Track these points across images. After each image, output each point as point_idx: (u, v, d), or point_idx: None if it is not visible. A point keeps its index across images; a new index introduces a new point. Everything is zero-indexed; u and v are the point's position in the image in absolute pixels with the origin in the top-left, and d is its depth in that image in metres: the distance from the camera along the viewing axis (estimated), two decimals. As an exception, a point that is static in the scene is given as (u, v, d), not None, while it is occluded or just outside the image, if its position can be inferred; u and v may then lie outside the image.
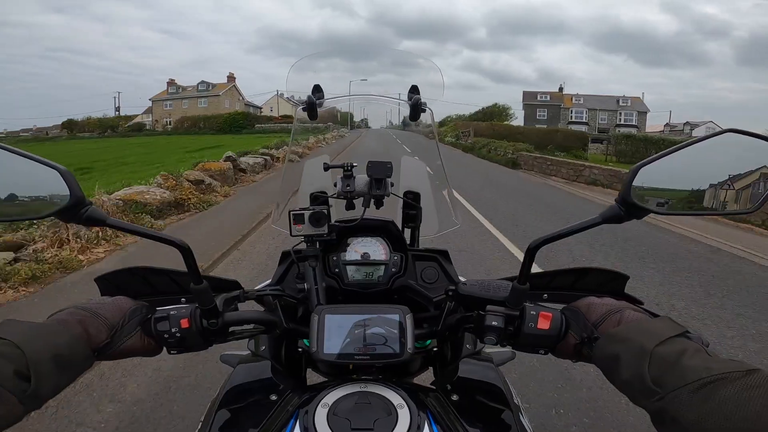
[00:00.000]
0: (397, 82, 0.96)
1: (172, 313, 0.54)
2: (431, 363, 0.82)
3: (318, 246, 0.72)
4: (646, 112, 51.53)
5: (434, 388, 0.63)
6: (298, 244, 0.75)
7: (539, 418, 1.90)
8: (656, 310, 0.51)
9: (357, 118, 1.53)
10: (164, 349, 0.56)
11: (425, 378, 0.82)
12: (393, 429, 0.48)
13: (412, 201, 0.87)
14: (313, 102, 0.82)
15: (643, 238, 5.18)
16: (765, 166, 0.47)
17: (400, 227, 0.84)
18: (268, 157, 11.74)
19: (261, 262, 4.06)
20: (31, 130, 67.71)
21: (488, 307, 0.56)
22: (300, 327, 0.68)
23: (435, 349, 0.76)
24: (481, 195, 8.10)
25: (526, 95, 55.41)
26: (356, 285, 0.78)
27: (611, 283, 0.65)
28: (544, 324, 0.53)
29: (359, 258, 0.78)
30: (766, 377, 0.34)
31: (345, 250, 0.79)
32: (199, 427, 0.59)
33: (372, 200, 0.78)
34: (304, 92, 0.84)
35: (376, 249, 0.79)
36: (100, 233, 4.37)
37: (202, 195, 6.86)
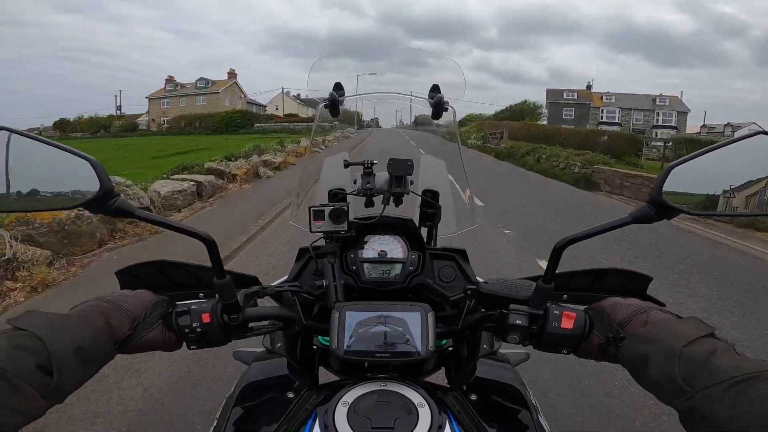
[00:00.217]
0: (412, 82, 0.98)
1: (193, 307, 0.53)
2: (445, 363, 0.79)
3: (337, 242, 0.73)
4: (686, 113, 47.01)
5: (452, 387, 0.64)
6: (316, 241, 0.75)
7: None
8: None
9: (367, 117, 1.46)
10: (184, 344, 0.55)
11: (435, 379, 0.74)
12: (414, 428, 0.47)
13: (431, 199, 0.87)
14: (336, 99, 0.82)
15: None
16: None
17: (418, 225, 0.84)
18: (213, 178, 7.34)
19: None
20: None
21: (511, 305, 0.56)
22: (318, 324, 0.67)
23: (450, 348, 0.75)
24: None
25: (550, 93, 51.89)
26: (373, 283, 0.78)
27: (633, 283, 0.64)
28: (567, 323, 0.53)
29: (376, 256, 0.78)
30: None
31: (362, 248, 0.79)
32: (215, 424, 0.59)
33: (392, 198, 0.79)
34: (325, 90, 0.84)
35: (393, 247, 0.79)
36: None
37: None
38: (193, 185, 6.49)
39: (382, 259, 0.77)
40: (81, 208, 0.47)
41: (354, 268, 0.77)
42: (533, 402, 0.62)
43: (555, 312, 0.54)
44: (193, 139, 30.57)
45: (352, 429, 0.47)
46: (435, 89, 0.84)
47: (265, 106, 61.46)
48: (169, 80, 53.20)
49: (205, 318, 0.53)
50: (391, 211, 0.79)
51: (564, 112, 46.50)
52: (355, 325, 0.56)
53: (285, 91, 64.17)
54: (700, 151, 0.46)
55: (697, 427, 0.38)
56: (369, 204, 0.80)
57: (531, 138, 20.60)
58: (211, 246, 0.51)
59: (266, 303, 0.68)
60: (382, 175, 0.78)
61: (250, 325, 0.58)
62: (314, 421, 0.49)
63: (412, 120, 1.42)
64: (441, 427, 0.48)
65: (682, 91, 61.17)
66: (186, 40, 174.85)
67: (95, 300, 0.49)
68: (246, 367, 0.70)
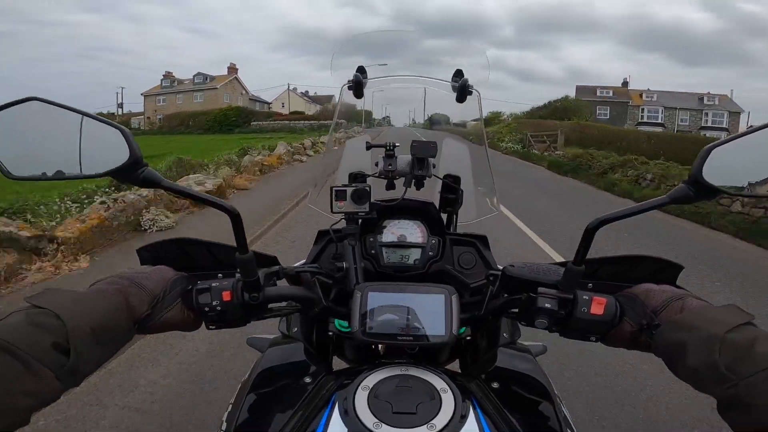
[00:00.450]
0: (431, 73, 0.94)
1: (214, 284, 0.52)
2: (461, 353, 0.78)
3: (357, 224, 0.71)
4: (738, 113, 41.46)
5: (473, 375, 0.62)
6: (336, 223, 0.73)
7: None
8: None
9: (378, 115, 1.38)
10: (203, 324, 0.54)
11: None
12: (437, 414, 0.46)
13: (452, 184, 0.84)
14: (360, 80, 0.82)
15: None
16: None
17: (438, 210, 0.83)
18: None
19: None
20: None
21: (540, 289, 0.54)
22: (336, 306, 0.65)
23: (468, 338, 0.73)
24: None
25: (580, 90, 46.96)
26: (391, 267, 0.77)
27: (663, 273, 0.60)
28: (597, 309, 0.51)
29: (396, 240, 0.78)
30: None
31: (381, 232, 0.78)
32: (229, 409, 0.58)
33: (413, 180, 0.78)
34: (348, 74, 0.83)
35: (413, 231, 0.78)
36: None
37: None
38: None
39: (402, 244, 0.77)
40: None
41: (373, 252, 0.76)
42: (556, 392, 0.60)
43: (584, 297, 0.52)
44: (174, 140, 26.42)
45: (373, 413, 0.46)
46: (458, 74, 0.84)
47: (269, 104, 57.51)
48: (166, 76, 49.46)
49: (226, 296, 0.52)
50: (412, 194, 0.78)
51: (598, 111, 41.92)
52: (377, 307, 0.55)
53: (291, 87, 60.08)
54: (740, 132, 0.46)
55: (737, 415, 0.37)
56: (390, 186, 0.81)
57: (587, 142, 15.65)
58: (236, 219, 0.49)
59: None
60: (404, 158, 0.78)
61: (269, 305, 0.57)
62: (333, 406, 0.48)
63: (427, 118, 1.39)
64: (465, 413, 0.47)
65: (732, 90, 54.94)
66: (201, 38, 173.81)
67: (115, 277, 0.48)
68: (259, 354, 0.70)
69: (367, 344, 0.57)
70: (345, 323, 0.70)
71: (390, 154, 0.77)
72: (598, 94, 46.07)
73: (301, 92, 62.67)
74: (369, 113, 1.26)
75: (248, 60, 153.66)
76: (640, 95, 44.28)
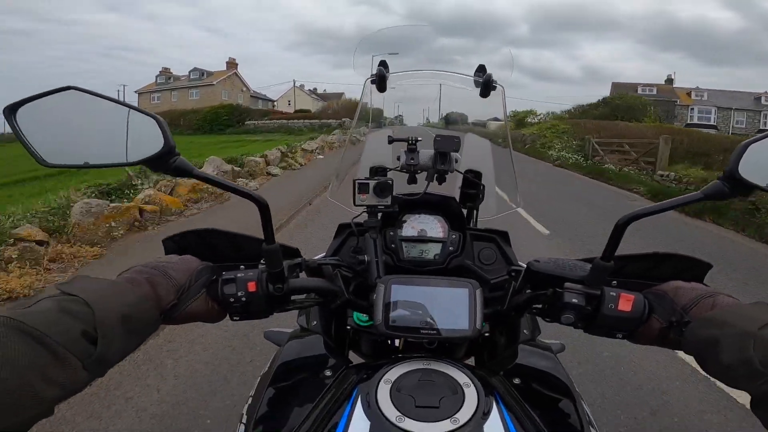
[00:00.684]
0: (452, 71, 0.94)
1: (239, 275, 0.52)
2: (477, 350, 0.79)
3: (379, 218, 0.70)
4: (806, 113, 35.55)
5: (494, 371, 0.61)
6: (356, 217, 0.73)
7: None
8: None
9: (390, 114, 1.34)
10: (227, 315, 0.54)
11: None
12: (460, 408, 0.46)
13: (474, 179, 0.85)
14: (384, 74, 0.82)
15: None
16: None
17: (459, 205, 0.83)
18: None
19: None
20: None
21: (566, 284, 0.53)
22: (357, 299, 0.64)
23: (486, 334, 0.73)
24: None
25: (618, 88, 41.83)
26: (411, 262, 0.76)
27: (690, 271, 0.58)
28: (625, 306, 0.50)
29: (416, 234, 0.77)
30: None
31: (401, 227, 0.78)
32: (249, 402, 0.58)
33: (435, 175, 0.78)
34: (365, 72, 0.85)
35: (433, 226, 0.78)
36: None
37: None
38: None
39: (422, 238, 0.77)
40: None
41: (393, 246, 0.76)
42: (577, 390, 0.59)
43: (611, 293, 0.51)
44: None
45: (395, 407, 0.45)
46: (481, 69, 0.84)
47: (274, 101, 53.69)
48: (163, 72, 45.97)
49: (251, 287, 0.51)
50: (434, 189, 0.78)
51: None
52: (400, 300, 0.54)
53: (299, 84, 56.17)
54: None
55: None
56: (412, 180, 0.81)
57: (685, 156, 10.75)
58: (264, 209, 0.50)
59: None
60: (426, 152, 0.78)
61: (292, 298, 0.57)
62: (356, 399, 0.48)
63: (442, 116, 1.36)
64: (488, 409, 0.46)
65: (793, 87, 48.41)
66: (217, 37, 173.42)
67: (143, 266, 0.48)
68: (276, 347, 0.70)
69: (388, 337, 0.57)
70: (364, 317, 0.69)
71: (412, 149, 0.77)
72: (640, 91, 40.89)
73: (309, 89, 58.64)
74: (381, 111, 1.24)
75: (262, 58, 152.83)
76: (688, 94, 39.15)
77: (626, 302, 0.50)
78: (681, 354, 1.69)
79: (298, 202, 5.84)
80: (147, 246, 3.93)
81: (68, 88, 0.45)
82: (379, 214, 0.69)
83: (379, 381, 0.48)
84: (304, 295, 0.59)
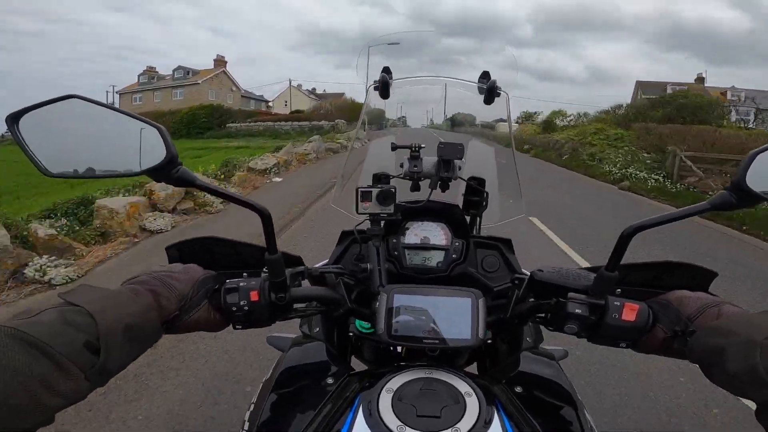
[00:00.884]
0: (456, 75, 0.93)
1: (242, 284, 0.52)
2: (479, 357, 0.78)
3: (382, 226, 0.69)
4: None
5: (496, 379, 0.61)
6: (359, 224, 0.73)
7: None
8: None
9: (392, 115, 1.29)
10: (228, 325, 0.54)
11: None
12: (461, 418, 0.46)
13: (477, 186, 0.83)
14: (387, 81, 0.82)
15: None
16: None
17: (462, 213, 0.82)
18: None
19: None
20: None
21: (570, 294, 0.53)
22: (360, 308, 0.64)
23: (489, 341, 0.72)
24: None
25: (643, 87, 38.01)
26: (414, 269, 0.76)
27: (695, 280, 0.58)
28: (629, 315, 0.50)
29: (419, 242, 0.77)
30: None
31: (404, 234, 0.78)
32: (251, 408, 0.58)
33: (439, 182, 0.77)
34: (374, 75, 0.84)
35: (436, 234, 0.77)
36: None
37: None
38: None
39: (425, 246, 0.76)
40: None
41: (396, 253, 0.76)
42: (579, 398, 0.59)
43: (615, 303, 0.51)
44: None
45: (397, 416, 0.45)
46: (485, 75, 0.83)
47: (268, 102, 50.10)
48: (147, 71, 42.48)
49: (254, 296, 0.51)
50: (437, 196, 0.77)
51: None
52: (403, 309, 0.54)
53: (296, 84, 52.56)
54: None
55: None
56: (415, 188, 0.80)
57: None
58: (267, 219, 0.50)
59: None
60: (429, 159, 0.77)
61: (294, 306, 0.57)
62: (357, 408, 0.48)
63: (447, 118, 1.30)
64: (489, 418, 0.46)
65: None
66: (222, 37, 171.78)
67: (146, 276, 0.48)
68: (279, 353, 0.69)
69: (390, 346, 0.56)
70: (366, 324, 0.69)
71: (415, 156, 0.76)
72: (669, 91, 36.87)
73: (308, 89, 55.00)
74: (384, 114, 1.21)
75: (265, 58, 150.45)
76: (723, 93, 35.13)
77: (630, 312, 0.50)
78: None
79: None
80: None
81: (70, 96, 0.44)
82: (382, 222, 0.68)
83: (381, 390, 0.49)
84: (307, 303, 0.59)
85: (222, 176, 6.95)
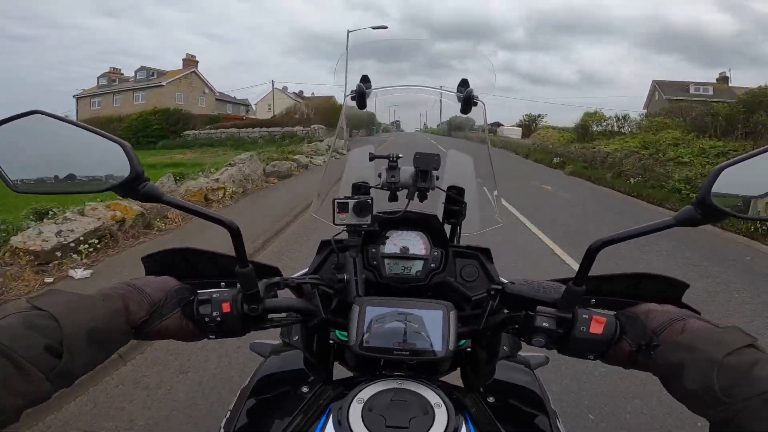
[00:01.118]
0: (435, 82, 0.94)
1: (214, 296, 0.53)
2: (461, 364, 0.77)
3: (359, 236, 0.69)
4: None
5: (469, 388, 0.63)
6: (338, 234, 0.71)
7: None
8: None
9: (384, 119, 1.29)
10: (201, 335, 0.54)
11: (450, 379, 0.70)
12: (429, 428, 0.46)
13: (456, 196, 0.83)
14: (363, 91, 0.81)
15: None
16: None
17: (441, 222, 0.82)
18: None
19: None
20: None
21: (538, 308, 0.54)
22: (336, 318, 0.65)
23: (468, 349, 0.71)
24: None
25: (664, 87, 34.38)
26: (393, 279, 0.75)
27: (668, 290, 0.59)
28: (596, 329, 0.51)
29: (398, 251, 0.76)
30: None
31: (384, 243, 0.77)
32: (228, 415, 0.59)
33: (416, 193, 0.77)
34: (353, 83, 0.82)
35: (415, 243, 0.77)
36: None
37: None
38: None
39: (404, 255, 0.76)
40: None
41: (375, 263, 0.75)
42: (552, 407, 0.61)
43: (584, 316, 0.52)
44: None
45: (366, 427, 0.46)
46: (464, 83, 0.83)
47: (248, 106, 45.56)
48: (110, 73, 37.70)
49: (225, 307, 0.52)
50: (415, 206, 0.77)
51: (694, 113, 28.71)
52: (375, 321, 0.55)
53: (282, 86, 48.15)
54: (752, 152, 0.44)
55: None
56: (393, 198, 0.79)
57: None
58: (236, 234, 0.50)
59: (286, 295, 0.67)
60: (407, 170, 0.76)
61: (270, 316, 0.57)
62: (328, 417, 0.49)
63: (441, 122, 1.26)
64: (457, 428, 0.47)
65: None
66: (218, 43, 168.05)
67: (120, 283, 0.49)
68: (261, 359, 0.70)
69: (363, 358, 0.57)
70: (345, 333, 0.66)
71: (393, 166, 0.76)
72: (693, 91, 32.95)
73: (294, 92, 50.50)
74: (373, 119, 1.14)
75: (262, 64, 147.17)
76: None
77: (598, 325, 0.51)
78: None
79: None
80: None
81: (34, 112, 0.44)
82: (361, 232, 0.68)
83: (352, 400, 0.49)
84: (284, 313, 0.59)
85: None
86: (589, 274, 0.52)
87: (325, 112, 23.13)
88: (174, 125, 24.56)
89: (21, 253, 3.32)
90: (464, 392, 0.58)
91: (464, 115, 0.82)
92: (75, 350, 0.39)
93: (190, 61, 36.72)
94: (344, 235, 0.68)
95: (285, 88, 50.28)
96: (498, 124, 48.46)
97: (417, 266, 0.74)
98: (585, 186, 9.68)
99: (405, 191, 0.75)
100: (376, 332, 0.53)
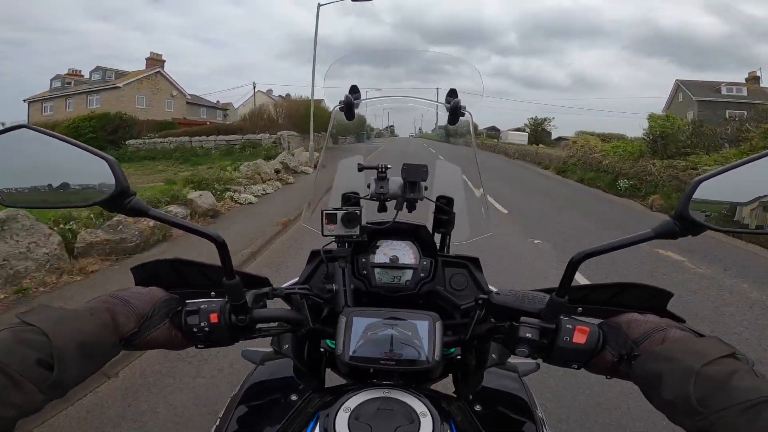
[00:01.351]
0: (428, 89, 0.94)
1: (202, 307, 0.54)
2: (452, 371, 0.77)
3: (348, 247, 0.70)
4: None
5: (457, 396, 0.63)
6: (328, 244, 0.73)
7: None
8: None
9: (377, 125, 1.27)
10: (190, 344, 0.55)
11: (443, 386, 0.75)
12: None
13: (445, 206, 0.84)
14: (351, 102, 0.81)
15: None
16: None
17: (431, 232, 0.83)
18: None
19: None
20: None
21: (522, 318, 0.55)
22: (325, 327, 0.66)
23: (458, 357, 0.73)
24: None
25: (691, 87, 30.61)
26: (383, 288, 0.77)
27: (653, 299, 0.61)
28: (580, 338, 0.52)
29: (388, 261, 0.77)
30: None
31: (374, 252, 0.78)
32: (218, 423, 0.59)
33: (405, 203, 0.77)
34: (341, 93, 0.82)
35: (405, 253, 0.78)
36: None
37: None
38: None
39: (394, 265, 0.76)
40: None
41: (365, 272, 0.76)
42: (539, 414, 0.61)
43: (567, 326, 0.52)
44: None
45: None
46: (452, 93, 0.83)
47: (225, 110, 41.26)
48: (68, 75, 33.30)
49: (213, 318, 0.53)
50: (404, 216, 0.78)
51: (727, 115, 24.85)
52: (362, 331, 0.55)
53: (266, 89, 44.02)
54: (729, 165, 0.44)
55: None
56: (382, 209, 0.80)
57: None
58: (222, 247, 0.51)
59: (276, 305, 0.67)
60: (395, 180, 0.77)
61: (258, 326, 0.58)
62: (315, 425, 0.49)
63: (436, 126, 1.25)
64: None
65: None
66: (212, 48, 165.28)
67: (106, 296, 0.50)
68: (253, 367, 0.70)
69: (350, 367, 0.58)
70: (334, 342, 0.69)
71: (382, 176, 0.76)
72: (725, 91, 28.99)
73: (279, 95, 46.21)
74: (364, 125, 1.16)
75: (256, 68, 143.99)
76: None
77: (581, 335, 0.51)
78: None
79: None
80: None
81: (20, 126, 0.45)
82: (350, 243, 0.68)
83: (339, 408, 0.49)
84: (274, 322, 0.60)
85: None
86: (582, 284, 0.57)
87: (295, 115, 18.74)
88: (112, 133, 20.03)
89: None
90: (451, 401, 0.59)
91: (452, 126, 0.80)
92: (66, 363, 0.40)
93: (155, 61, 32.36)
94: (334, 246, 0.69)
95: (270, 91, 46.38)
96: (495, 129, 44.66)
97: (406, 275, 0.76)
98: (732, 248, 5.21)
99: (394, 202, 0.76)
100: (363, 342, 0.54)
